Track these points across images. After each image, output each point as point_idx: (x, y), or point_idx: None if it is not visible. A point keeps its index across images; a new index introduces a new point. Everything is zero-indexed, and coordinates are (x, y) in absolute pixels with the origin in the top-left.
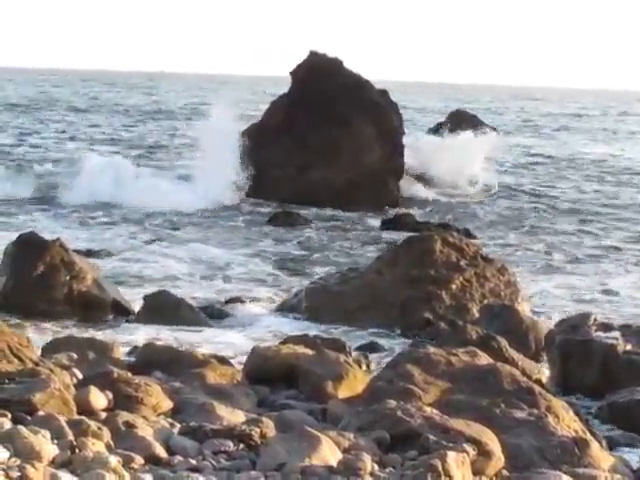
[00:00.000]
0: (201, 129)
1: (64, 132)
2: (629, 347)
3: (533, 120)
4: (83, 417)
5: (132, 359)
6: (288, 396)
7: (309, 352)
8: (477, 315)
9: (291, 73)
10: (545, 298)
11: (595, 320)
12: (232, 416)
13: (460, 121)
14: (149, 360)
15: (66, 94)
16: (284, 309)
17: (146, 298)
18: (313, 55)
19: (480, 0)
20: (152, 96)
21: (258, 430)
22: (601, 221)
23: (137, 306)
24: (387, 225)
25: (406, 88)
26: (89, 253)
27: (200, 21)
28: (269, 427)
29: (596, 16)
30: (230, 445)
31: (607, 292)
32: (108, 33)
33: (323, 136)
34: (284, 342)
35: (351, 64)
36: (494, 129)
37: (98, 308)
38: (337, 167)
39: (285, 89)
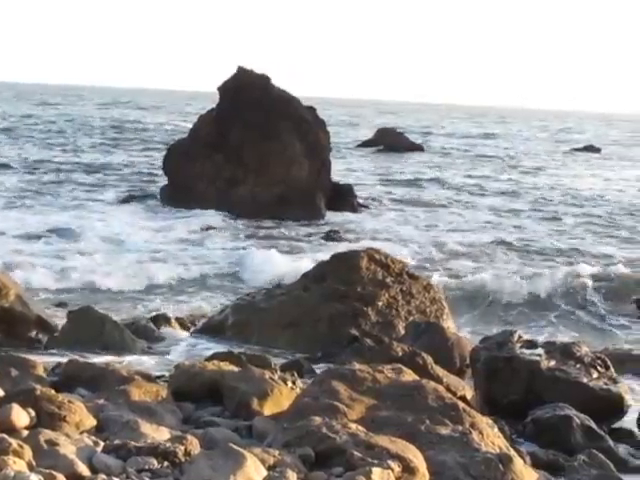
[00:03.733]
0: None
1: None
2: (553, 363)
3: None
4: (4, 435)
5: (55, 376)
6: (213, 413)
7: (234, 369)
8: (403, 332)
9: (219, 88)
10: None
11: (519, 337)
12: (156, 433)
13: (386, 139)
14: (73, 377)
15: None
16: (210, 325)
17: (70, 314)
18: (241, 71)
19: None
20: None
21: (182, 447)
22: None
23: (61, 322)
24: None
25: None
26: (8, 267)
27: (117, 33)
28: (194, 444)
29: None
30: (154, 463)
31: None
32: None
33: (251, 151)
34: (209, 359)
35: (278, 80)
36: (421, 147)
37: (21, 325)
38: (266, 182)
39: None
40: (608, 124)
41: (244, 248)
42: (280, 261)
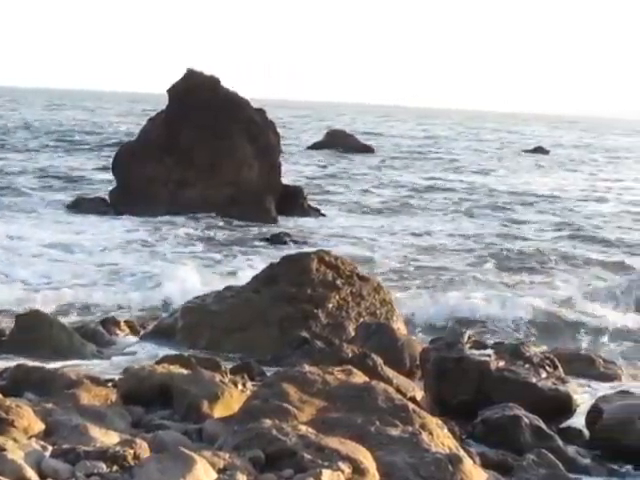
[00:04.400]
0: None
1: None
2: (502, 364)
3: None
4: None
5: (3, 380)
6: (163, 416)
7: (184, 371)
8: (353, 333)
9: (168, 90)
10: None
11: (469, 338)
12: (106, 437)
13: (336, 140)
14: (20, 381)
15: None
16: (160, 328)
17: (18, 318)
18: (190, 72)
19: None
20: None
21: (132, 451)
22: None
23: (8, 327)
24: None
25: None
26: None
27: (66, 33)
28: (143, 448)
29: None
30: (103, 467)
31: None
32: None
33: (202, 153)
34: (159, 362)
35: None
36: (371, 148)
37: None
38: (216, 184)
39: (161, 106)
40: (557, 126)
41: (194, 251)
42: (200, 280)
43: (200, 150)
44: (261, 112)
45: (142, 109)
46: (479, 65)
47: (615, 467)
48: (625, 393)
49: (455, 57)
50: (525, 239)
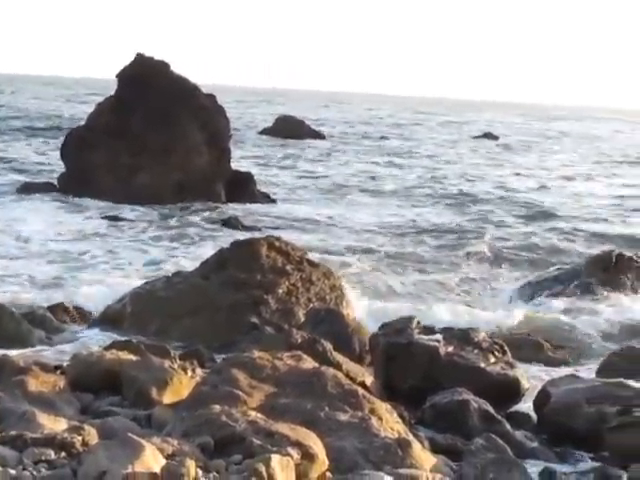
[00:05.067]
0: None
1: None
2: (451, 349)
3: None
4: None
5: None
6: (112, 403)
7: (133, 358)
8: (303, 319)
9: (118, 75)
10: None
11: (418, 323)
12: (54, 424)
13: (287, 127)
14: None
15: None
16: (109, 315)
17: None
18: (140, 57)
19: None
20: None
21: (80, 438)
22: None
23: None
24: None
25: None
26: None
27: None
28: (91, 434)
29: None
30: (51, 454)
31: None
32: None
33: (151, 138)
34: (108, 348)
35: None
36: (322, 135)
37: None
38: (165, 170)
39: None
40: (509, 113)
41: (144, 238)
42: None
43: (149, 136)
44: (211, 97)
45: (90, 94)
46: (433, 52)
47: (562, 451)
48: (573, 377)
49: (413, 44)
50: (470, 226)
